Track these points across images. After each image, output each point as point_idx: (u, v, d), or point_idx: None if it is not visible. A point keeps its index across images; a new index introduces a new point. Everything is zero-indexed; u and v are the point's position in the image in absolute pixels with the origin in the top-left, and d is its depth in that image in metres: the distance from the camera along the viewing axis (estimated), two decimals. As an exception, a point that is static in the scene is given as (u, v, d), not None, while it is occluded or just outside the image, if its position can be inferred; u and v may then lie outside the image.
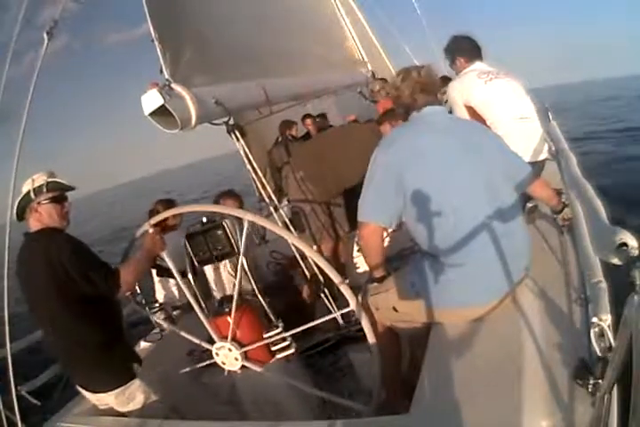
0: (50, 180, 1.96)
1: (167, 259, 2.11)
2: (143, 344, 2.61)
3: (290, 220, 2.75)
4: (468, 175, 1.66)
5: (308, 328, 2.00)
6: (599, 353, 1.12)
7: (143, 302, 2.59)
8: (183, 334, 2.17)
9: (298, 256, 2.46)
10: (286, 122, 5.21)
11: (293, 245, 1.99)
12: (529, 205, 2.23)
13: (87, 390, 2.00)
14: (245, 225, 1.86)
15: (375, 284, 1.90)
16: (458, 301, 1.66)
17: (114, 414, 2.00)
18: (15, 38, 1.96)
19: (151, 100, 2.00)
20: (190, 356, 2.40)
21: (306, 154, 3.41)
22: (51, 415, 2.07)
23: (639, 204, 5.47)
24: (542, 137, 2.64)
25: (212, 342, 2.06)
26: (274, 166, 4.91)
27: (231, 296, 2.02)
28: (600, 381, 1.10)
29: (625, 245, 1.07)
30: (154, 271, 3.27)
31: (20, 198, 1.93)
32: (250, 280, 2.20)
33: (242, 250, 1.96)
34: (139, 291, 2.51)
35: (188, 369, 2.22)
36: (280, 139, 5.26)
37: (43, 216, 1.92)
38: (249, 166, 2.62)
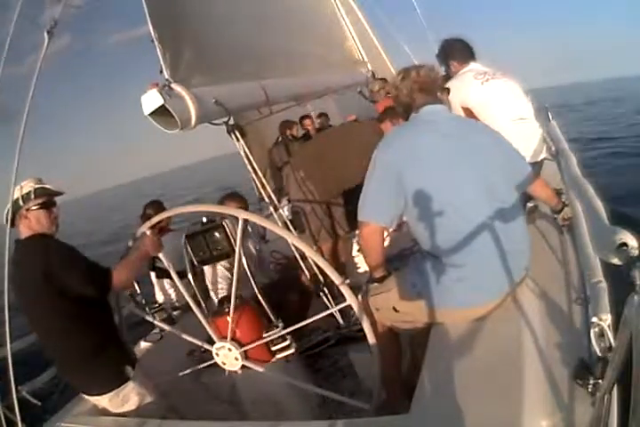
0: (37, 186, 1.98)
1: (165, 260, 2.12)
2: (143, 344, 2.61)
3: (290, 220, 2.75)
4: (469, 175, 1.66)
5: (307, 328, 2.00)
6: (599, 353, 1.12)
7: (143, 302, 2.59)
8: (184, 335, 2.17)
9: (298, 256, 2.47)
10: (286, 122, 5.22)
11: (293, 245, 1.99)
12: (529, 204, 2.23)
13: (82, 392, 2.03)
14: (241, 224, 1.86)
15: (375, 284, 1.90)
16: (458, 301, 1.66)
17: (114, 414, 2.00)
18: (10, 39, 1.94)
19: (151, 100, 2.00)
20: (190, 356, 2.40)
21: (306, 153, 3.41)
22: (51, 415, 2.07)
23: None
24: (540, 138, 2.64)
25: (211, 342, 2.06)
26: (274, 166, 4.91)
27: (231, 296, 2.02)
28: (600, 381, 1.10)
29: (625, 245, 1.07)
30: (152, 273, 3.27)
31: (10, 205, 1.95)
32: (250, 280, 2.20)
33: (237, 250, 1.95)
34: (138, 291, 2.51)
35: (188, 371, 2.22)
36: (280, 139, 5.26)
37: (32, 222, 1.94)
38: (249, 166, 2.62)
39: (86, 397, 2.02)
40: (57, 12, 1.91)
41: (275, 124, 5.12)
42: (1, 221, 1.98)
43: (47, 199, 2.00)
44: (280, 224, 2.55)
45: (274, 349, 2.08)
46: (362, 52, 4.55)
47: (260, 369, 2.03)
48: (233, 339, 2.03)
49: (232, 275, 2.08)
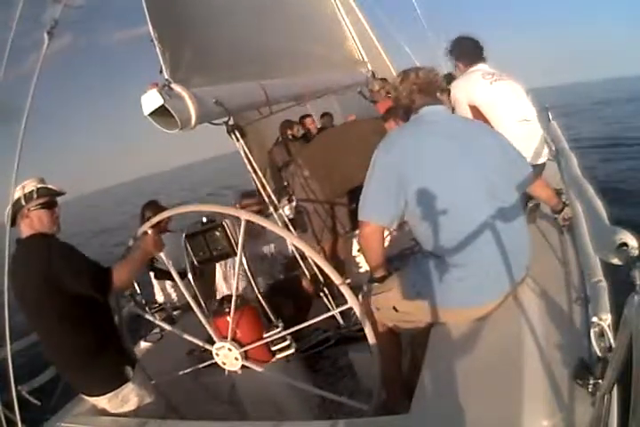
0: (40, 186, 1.98)
1: (165, 260, 2.12)
2: (143, 344, 2.61)
3: (293, 219, 2.75)
4: (469, 175, 1.66)
5: (307, 328, 2.00)
6: (599, 353, 1.12)
7: (143, 302, 2.59)
8: (184, 335, 2.17)
9: (298, 256, 2.46)
10: (287, 122, 5.22)
11: (293, 245, 1.99)
12: (530, 204, 2.23)
13: (81, 393, 2.03)
14: (243, 225, 1.86)
15: (376, 284, 1.90)
16: (459, 301, 1.66)
17: (113, 414, 2.00)
18: (12, 38, 1.94)
19: (151, 100, 2.00)
20: (190, 355, 2.40)
21: (311, 152, 3.40)
22: (51, 415, 2.07)
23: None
24: (543, 139, 2.65)
25: (211, 342, 2.06)
26: (274, 166, 4.91)
27: (231, 296, 2.02)
28: (600, 381, 1.10)
29: (625, 245, 1.07)
30: (152, 273, 3.28)
31: (11, 205, 1.94)
32: (250, 280, 2.20)
33: (239, 250, 1.95)
34: (138, 291, 2.51)
35: (188, 370, 2.22)
36: (280, 139, 5.26)
37: (34, 222, 1.94)
38: (249, 166, 2.62)
39: (86, 397, 2.02)
40: (57, 13, 1.90)
41: (275, 125, 5.12)
42: (1, 220, 1.98)
43: (49, 199, 2.00)
44: (280, 224, 2.55)
45: (274, 349, 2.08)
46: (362, 52, 4.56)
47: (259, 369, 2.03)
48: (233, 339, 2.03)
49: (245, 273, 2.09)
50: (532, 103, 2.64)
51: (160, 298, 3.53)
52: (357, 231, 3.10)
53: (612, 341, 1.08)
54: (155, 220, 2.11)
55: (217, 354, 2.05)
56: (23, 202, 1.94)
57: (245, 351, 2.03)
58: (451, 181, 1.65)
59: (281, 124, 5.21)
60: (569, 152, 2.44)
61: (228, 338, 2.01)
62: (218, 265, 2.79)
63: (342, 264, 3.32)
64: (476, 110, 2.52)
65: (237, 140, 2.44)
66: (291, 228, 2.54)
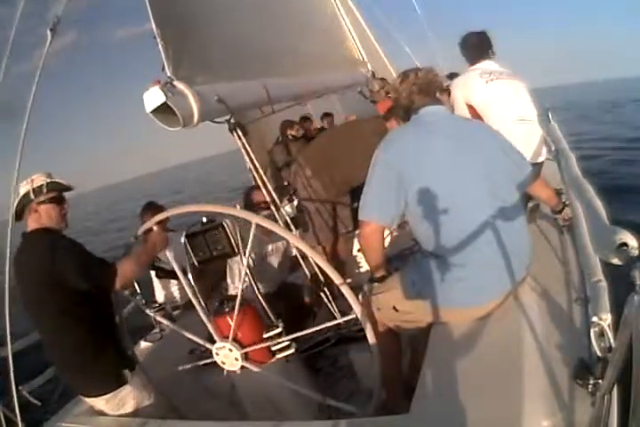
0: (49, 180, 1.96)
1: (171, 258, 2.10)
2: (143, 344, 2.61)
3: (295, 218, 2.75)
4: (469, 174, 1.67)
5: (307, 328, 2.00)
6: (599, 353, 1.12)
7: (143, 302, 2.59)
8: (185, 333, 2.17)
9: (299, 256, 2.46)
10: (287, 122, 5.22)
11: (294, 245, 1.99)
12: (530, 204, 2.23)
13: (79, 393, 2.01)
14: (253, 227, 1.84)
15: (376, 283, 1.90)
16: (459, 301, 1.66)
17: (113, 415, 2.00)
18: (16, 35, 1.94)
19: (153, 97, 2.00)
20: (191, 355, 2.40)
21: (313, 152, 3.39)
22: (51, 415, 2.06)
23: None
24: (541, 139, 2.64)
25: (212, 341, 2.06)
26: (274, 166, 4.92)
27: (232, 296, 2.02)
28: (600, 381, 1.10)
29: (625, 245, 1.07)
30: (152, 272, 3.27)
31: (18, 198, 1.92)
32: (251, 280, 2.20)
33: (247, 251, 1.94)
34: (138, 291, 2.51)
35: (188, 366, 2.21)
36: (281, 138, 5.27)
37: (42, 216, 1.92)
38: (250, 165, 2.61)
39: (84, 398, 2.01)
40: (60, 10, 1.90)
41: (275, 124, 5.12)
42: (2, 216, 1.97)
43: (59, 194, 1.97)
44: (281, 224, 2.55)
45: (274, 349, 2.08)
46: (362, 51, 4.56)
47: (259, 370, 2.03)
48: (234, 339, 2.03)
49: (250, 273, 2.09)
50: (533, 103, 2.62)
51: (160, 298, 3.53)
52: (358, 231, 3.10)
53: (612, 341, 1.08)
54: (158, 217, 2.11)
55: (217, 353, 2.05)
56: (32, 196, 1.90)
57: (246, 353, 2.03)
58: (450, 181, 1.65)
59: (281, 124, 5.21)
60: (569, 152, 2.44)
61: (230, 338, 2.00)
62: (229, 263, 2.79)
63: (343, 264, 3.32)
64: (473, 110, 2.52)
65: (239, 138, 2.44)
66: (292, 227, 2.54)
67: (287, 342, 2.04)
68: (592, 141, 12.70)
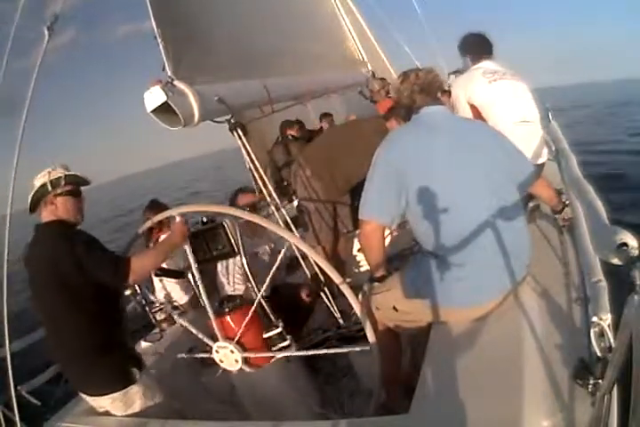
0: (67, 173, 1.93)
1: (189, 252, 2.07)
2: (143, 344, 2.61)
3: (295, 218, 2.74)
4: (469, 174, 1.67)
5: (308, 328, 2.00)
6: (599, 353, 1.12)
7: (143, 302, 2.59)
8: (188, 326, 2.14)
9: (299, 256, 2.46)
10: (287, 122, 5.21)
11: (294, 244, 1.99)
12: (530, 204, 2.23)
13: (84, 393, 1.96)
14: (273, 228, 1.82)
15: (376, 283, 1.90)
16: (459, 300, 1.66)
17: (114, 414, 1.99)
18: (16, 31, 1.93)
19: (154, 96, 2.00)
20: (190, 353, 2.40)
21: (313, 152, 3.39)
22: (51, 415, 2.06)
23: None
24: (542, 140, 2.63)
25: (213, 340, 2.06)
26: (274, 166, 4.91)
27: (232, 296, 2.02)
28: (600, 381, 1.10)
29: (625, 245, 1.07)
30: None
31: (35, 190, 1.88)
32: (250, 280, 2.20)
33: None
34: (138, 291, 2.50)
35: (184, 355, 2.19)
36: (280, 138, 5.26)
37: (58, 209, 1.88)
38: (250, 165, 2.61)
39: (87, 397, 1.97)
40: (58, 7, 1.89)
41: (274, 124, 5.12)
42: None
43: (76, 187, 1.94)
44: (282, 223, 2.55)
45: (274, 349, 2.08)
46: (362, 52, 4.56)
47: (259, 370, 2.03)
48: (232, 339, 2.02)
49: (245, 273, 2.08)
50: (535, 103, 2.61)
51: (161, 297, 3.52)
52: (358, 231, 3.10)
53: (612, 341, 1.08)
54: (165, 214, 2.11)
55: (217, 351, 2.05)
56: (49, 188, 1.86)
57: (244, 349, 2.02)
58: (451, 181, 1.65)
59: (281, 124, 5.20)
60: (569, 152, 2.44)
61: (233, 340, 2.00)
62: (219, 264, 2.79)
63: (343, 264, 3.32)
64: (475, 109, 2.51)
65: (240, 138, 2.44)
66: (292, 227, 2.54)
67: (287, 342, 2.04)
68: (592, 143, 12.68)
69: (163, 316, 2.66)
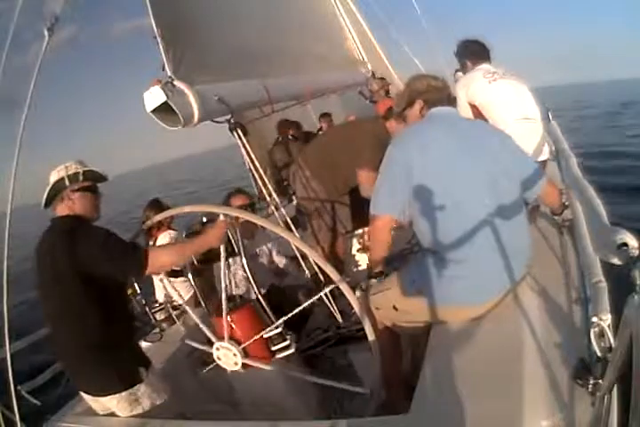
0: (85, 168, 1.90)
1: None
2: (143, 344, 2.61)
3: (294, 218, 2.75)
4: (472, 173, 1.68)
5: (307, 327, 2.00)
6: (599, 353, 1.12)
7: (143, 302, 2.59)
8: (194, 317, 2.13)
9: (298, 255, 2.46)
10: (286, 122, 5.20)
11: (294, 244, 1.99)
12: (530, 204, 2.23)
13: (88, 393, 1.91)
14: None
15: (375, 282, 1.91)
16: (458, 299, 1.66)
17: (114, 413, 1.99)
18: (16, 28, 1.93)
19: (154, 96, 2.00)
20: (190, 356, 2.40)
21: (312, 152, 3.39)
22: (51, 415, 2.05)
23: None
24: (543, 138, 2.65)
25: (212, 342, 2.06)
26: (274, 166, 4.91)
27: (232, 296, 2.02)
28: (600, 381, 1.10)
29: (625, 245, 1.07)
30: None
31: (52, 184, 1.86)
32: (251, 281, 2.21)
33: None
34: (139, 291, 2.51)
35: (186, 351, 2.18)
36: (280, 139, 5.26)
37: (75, 204, 1.86)
38: (250, 165, 2.61)
39: (90, 397, 1.92)
40: (57, 8, 1.88)
41: (274, 124, 5.12)
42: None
43: (94, 184, 1.92)
44: (281, 223, 2.55)
45: (274, 349, 2.08)
46: (362, 52, 4.56)
47: (260, 367, 2.03)
48: (232, 338, 2.03)
49: (247, 273, 2.09)
50: (535, 102, 2.64)
51: (160, 298, 3.52)
52: (357, 231, 3.10)
53: (612, 341, 1.08)
54: (156, 218, 2.12)
55: (217, 349, 2.04)
56: (67, 183, 1.84)
57: (244, 349, 2.03)
58: (453, 179, 1.66)
59: (278, 124, 5.19)
60: (569, 152, 2.44)
61: (226, 339, 1.99)
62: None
63: (341, 264, 3.32)
64: (476, 109, 2.53)
65: (240, 138, 2.44)
66: (292, 227, 2.54)
67: (287, 342, 2.05)
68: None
69: (163, 316, 2.67)
